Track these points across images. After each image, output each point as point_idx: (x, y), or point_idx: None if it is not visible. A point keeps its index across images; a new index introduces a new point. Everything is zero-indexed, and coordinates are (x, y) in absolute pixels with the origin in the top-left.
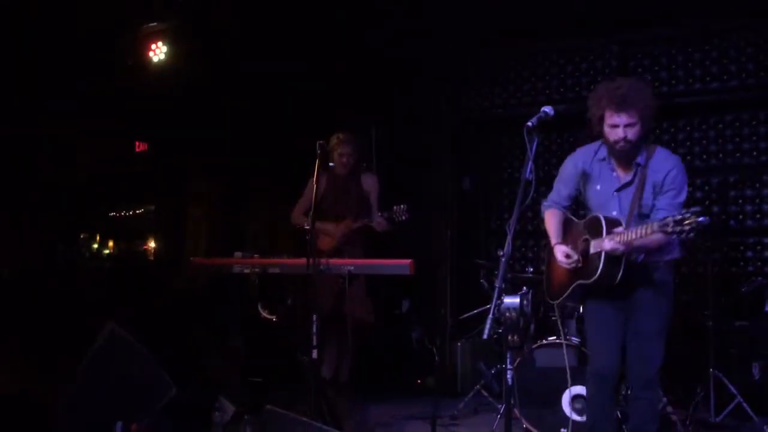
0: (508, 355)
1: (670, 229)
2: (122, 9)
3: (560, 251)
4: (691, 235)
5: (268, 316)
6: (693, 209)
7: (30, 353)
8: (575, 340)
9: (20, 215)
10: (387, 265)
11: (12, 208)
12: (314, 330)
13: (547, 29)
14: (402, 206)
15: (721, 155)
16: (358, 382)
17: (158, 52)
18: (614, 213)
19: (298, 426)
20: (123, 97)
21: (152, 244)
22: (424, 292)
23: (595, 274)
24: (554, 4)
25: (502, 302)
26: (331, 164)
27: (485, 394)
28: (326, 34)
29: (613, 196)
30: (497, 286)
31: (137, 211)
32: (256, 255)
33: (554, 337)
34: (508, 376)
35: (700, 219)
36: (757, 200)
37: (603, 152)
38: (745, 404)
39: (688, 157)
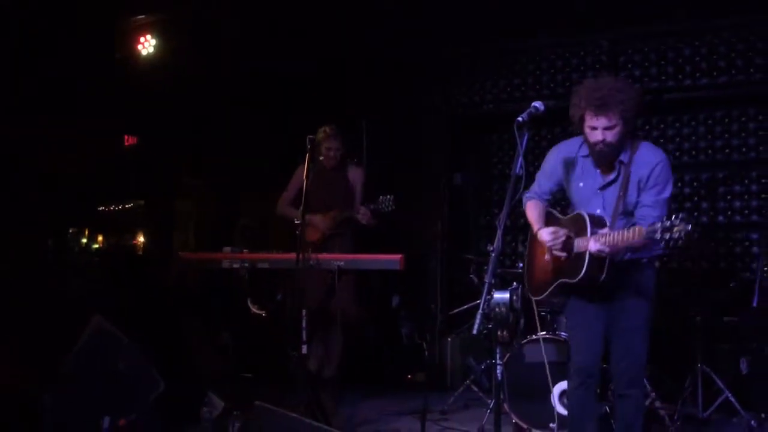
0: (498, 351)
1: (658, 236)
2: (110, 1)
3: (545, 232)
4: (680, 242)
5: (258, 312)
6: (682, 216)
7: (18, 348)
8: (564, 335)
9: (8, 211)
10: (377, 260)
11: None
12: (303, 325)
13: (538, 26)
14: (388, 196)
15: (710, 151)
16: (347, 378)
17: (147, 45)
18: (598, 211)
19: (288, 422)
20: (111, 91)
21: (141, 239)
22: (415, 288)
23: (579, 274)
24: (545, 1)
25: (491, 297)
26: (321, 158)
27: (475, 389)
28: (319, 29)
29: (597, 194)
30: (487, 281)
31: (126, 206)
32: (245, 250)
33: (544, 333)
34: (498, 371)
35: (690, 227)
36: (746, 196)
37: (586, 149)
38: (732, 399)
39: (677, 153)
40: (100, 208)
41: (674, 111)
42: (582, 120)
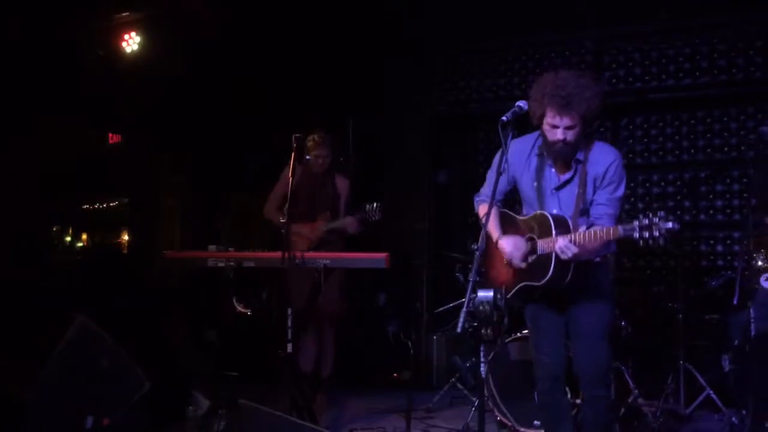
0: (482, 349)
1: (636, 235)
2: None
3: (506, 244)
4: (660, 241)
5: (243, 310)
6: (661, 214)
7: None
8: None
9: None
10: (362, 258)
11: None
12: (289, 324)
13: (523, 25)
14: (375, 205)
15: (692, 151)
16: (333, 376)
17: (131, 42)
18: (555, 210)
19: (273, 420)
20: (96, 88)
21: (126, 237)
22: (400, 286)
23: (546, 276)
24: (530, 0)
25: (475, 296)
26: (307, 157)
27: (460, 387)
28: (303, 28)
29: (552, 194)
30: (471, 279)
31: (111, 204)
32: (230, 248)
33: (527, 331)
34: (482, 369)
35: (670, 225)
36: (728, 195)
37: (540, 147)
38: (714, 396)
39: (661, 153)
40: (85, 206)
41: (657, 111)
42: (542, 117)
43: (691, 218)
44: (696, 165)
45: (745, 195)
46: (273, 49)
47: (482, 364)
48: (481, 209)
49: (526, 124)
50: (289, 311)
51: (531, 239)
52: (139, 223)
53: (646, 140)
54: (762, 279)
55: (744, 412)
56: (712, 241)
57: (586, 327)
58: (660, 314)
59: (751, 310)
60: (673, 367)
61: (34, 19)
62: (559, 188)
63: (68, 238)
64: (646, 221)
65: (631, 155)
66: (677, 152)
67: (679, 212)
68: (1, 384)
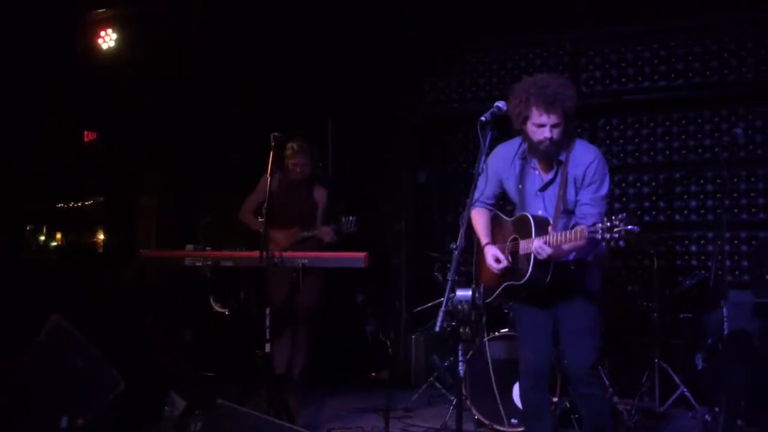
0: (460, 348)
1: (599, 236)
2: None
3: (490, 254)
4: (621, 243)
5: (220, 310)
6: (621, 216)
7: None
8: None
9: None
10: (341, 257)
11: None
12: (267, 323)
13: (502, 26)
14: (351, 218)
15: (667, 152)
16: (312, 375)
17: (107, 39)
18: (540, 212)
19: (250, 420)
20: (71, 85)
21: (101, 236)
22: (379, 285)
23: (525, 276)
24: (509, 2)
25: (454, 295)
26: (287, 161)
27: (438, 386)
28: (284, 27)
29: (537, 195)
30: (450, 279)
31: (86, 203)
32: (208, 248)
33: (506, 330)
34: (460, 368)
35: (630, 227)
36: (701, 196)
37: (524, 150)
38: (688, 394)
39: (637, 154)
40: (59, 205)
41: (633, 112)
42: (526, 119)
43: (666, 218)
44: (671, 166)
45: (718, 196)
46: (251, 47)
47: (460, 363)
48: (473, 214)
49: (504, 125)
50: (268, 311)
51: (515, 240)
52: (115, 222)
53: (622, 141)
54: None
55: (717, 409)
56: (686, 241)
57: (574, 328)
58: (635, 313)
59: (725, 310)
60: (648, 366)
61: (6, 15)
62: (542, 189)
63: (42, 238)
64: (609, 224)
65: (608, 156)
66: (652, 153)
67: (654, 212)
68: None
